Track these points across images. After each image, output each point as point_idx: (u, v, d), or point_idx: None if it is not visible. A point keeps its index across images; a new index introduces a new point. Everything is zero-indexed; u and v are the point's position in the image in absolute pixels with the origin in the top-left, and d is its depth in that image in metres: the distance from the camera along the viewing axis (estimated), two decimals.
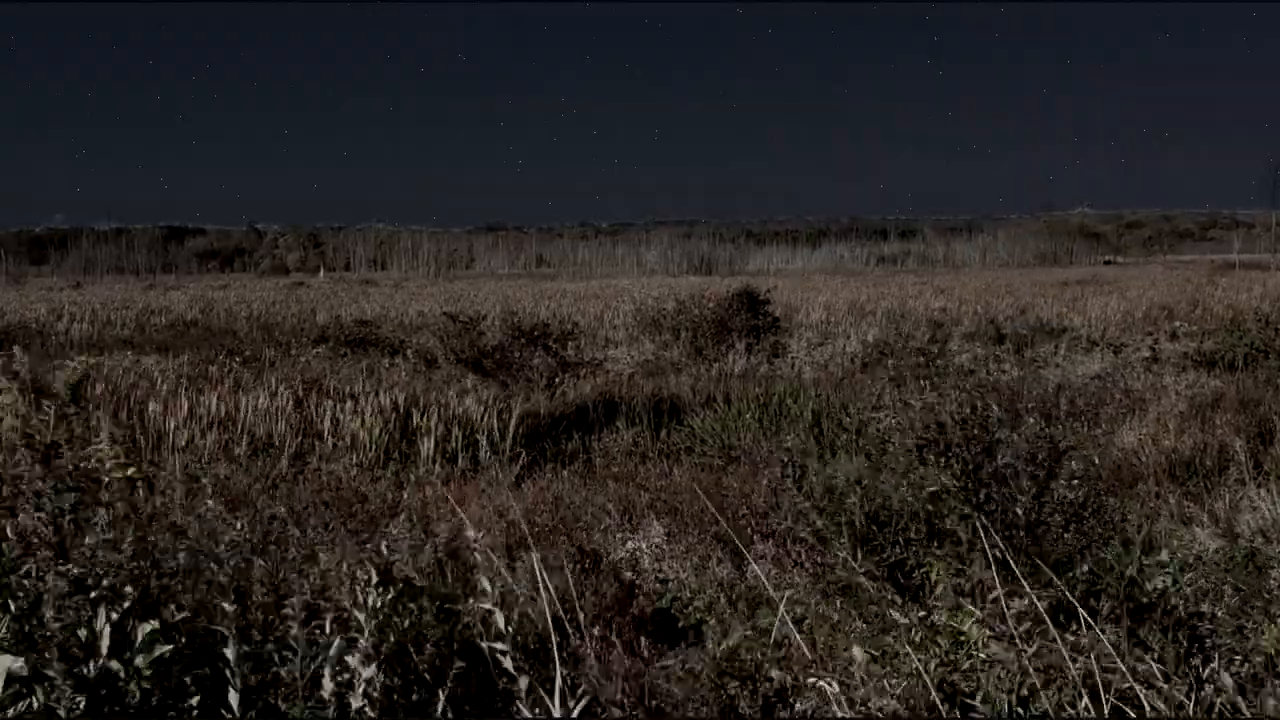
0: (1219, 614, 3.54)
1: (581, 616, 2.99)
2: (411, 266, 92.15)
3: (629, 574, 4.60)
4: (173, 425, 8.35)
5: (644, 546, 5.18)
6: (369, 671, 2.30)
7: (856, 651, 2.56)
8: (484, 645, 2.32)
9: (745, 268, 77.68)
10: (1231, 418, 8.63)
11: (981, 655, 2.79)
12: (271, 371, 11.91)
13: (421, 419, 8.93)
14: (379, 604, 2.45)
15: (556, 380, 12.79)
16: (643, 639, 3.42)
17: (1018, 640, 2.85)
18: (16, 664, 2.12)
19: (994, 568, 3.48)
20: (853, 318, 21.96)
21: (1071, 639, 2.99)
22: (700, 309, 16.92)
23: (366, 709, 2.30)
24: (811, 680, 2.59)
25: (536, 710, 2.26)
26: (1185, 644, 3.40)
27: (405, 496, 6.38)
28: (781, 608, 2.99)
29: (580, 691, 2.33)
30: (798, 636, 3.00)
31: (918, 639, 2.72)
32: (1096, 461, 4.59)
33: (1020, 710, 2.68)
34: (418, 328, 20.53)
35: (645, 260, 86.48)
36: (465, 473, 8.01)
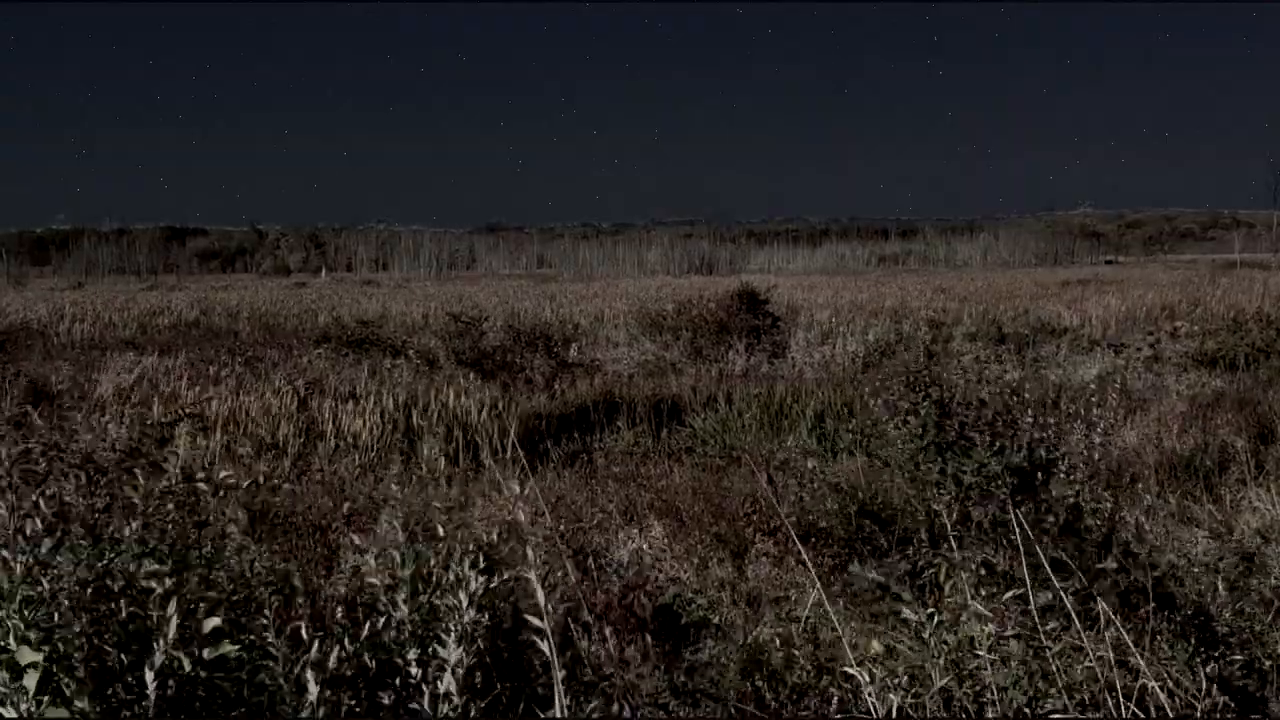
0: (1225, 614, 3.55)
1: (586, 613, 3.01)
2: (413, 267, 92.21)
3: (630, 574, 4.61)
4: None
5: (645, 546, 5.20)
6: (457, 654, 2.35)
7: (875, 644, 2.58)
8: (532, 626, 2.33)
9: (746, 267, 77.69)
10: (1232, 417, 8.64)
11: (987, 655, 2.80)
12: (274, 372, 11.93)
13: (423, 419, 8.96)
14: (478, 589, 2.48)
15: (557, 381, 12.81)
16: (647, 637, 3.44)
17: (1024, 639, 2.86)
18: (39, 655, 2.04)
19: (995, 568, 3.49)
20: (854, 317, 21.95)
21: (1075, 639, 3.01)
22: (701, 309, 16.93)
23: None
24: (847, 670, 2.61)
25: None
26: (1192, 643, 3.41)
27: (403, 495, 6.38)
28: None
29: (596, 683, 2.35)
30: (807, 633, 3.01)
31: (926, 637, 2.74)
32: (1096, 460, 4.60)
33: (1028, 709, 2.69)
34: (419, 328, 20.55)
35: (646, 260, 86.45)
36: (467, 473, 8.03)
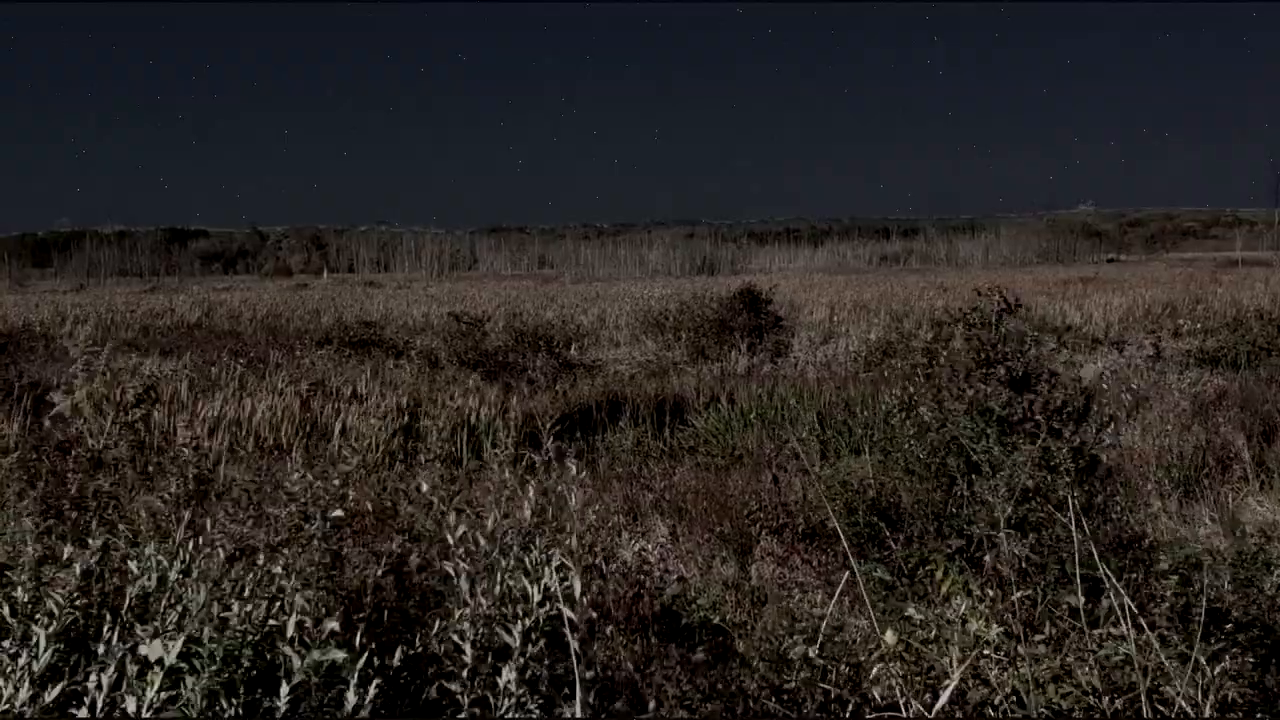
0: (1234, 612, 3.55)
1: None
2: (415, 268, 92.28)
3: (635, 574, 4.62)
4: (181, 427, 8.38)
5: (649, 546, 5.21)
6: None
7: (889, 635, 2.58)
8: (566, 617, 2.29)
9: (748, 267, 77.72)
10: (1234, 415, 8.64)
11: (994, 654, 2.81)
12: (277, 373, 11.94)
13: (426, 420, 8.96)
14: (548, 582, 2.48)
15: (559, 381, 12.82)
16: (651, 637, 3.44)
17: (1027, 639, 2.86)
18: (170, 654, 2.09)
19: (1002, 567, 3.49)
20: (855, 317, 21.95)
21: (1082, 637, 3.01)
22: (702, 309, 16.93)
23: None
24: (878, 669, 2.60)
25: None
26: (1200, 641, 3.40)
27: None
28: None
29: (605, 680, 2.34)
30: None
31: (933, 635, 2.74)
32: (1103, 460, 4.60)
33: (1031, 709, 2.69)
34: (421, 329, 20.56)
35: (648, 261, 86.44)
36: (469, 474, 8.04)
